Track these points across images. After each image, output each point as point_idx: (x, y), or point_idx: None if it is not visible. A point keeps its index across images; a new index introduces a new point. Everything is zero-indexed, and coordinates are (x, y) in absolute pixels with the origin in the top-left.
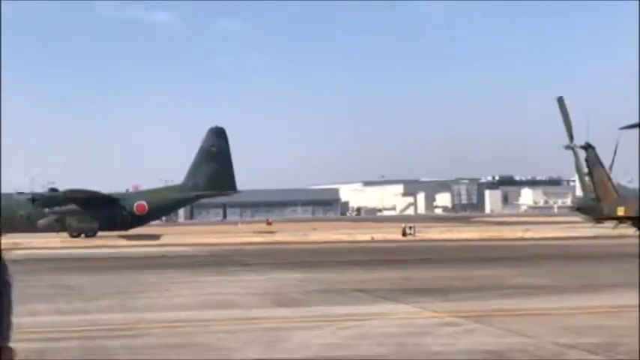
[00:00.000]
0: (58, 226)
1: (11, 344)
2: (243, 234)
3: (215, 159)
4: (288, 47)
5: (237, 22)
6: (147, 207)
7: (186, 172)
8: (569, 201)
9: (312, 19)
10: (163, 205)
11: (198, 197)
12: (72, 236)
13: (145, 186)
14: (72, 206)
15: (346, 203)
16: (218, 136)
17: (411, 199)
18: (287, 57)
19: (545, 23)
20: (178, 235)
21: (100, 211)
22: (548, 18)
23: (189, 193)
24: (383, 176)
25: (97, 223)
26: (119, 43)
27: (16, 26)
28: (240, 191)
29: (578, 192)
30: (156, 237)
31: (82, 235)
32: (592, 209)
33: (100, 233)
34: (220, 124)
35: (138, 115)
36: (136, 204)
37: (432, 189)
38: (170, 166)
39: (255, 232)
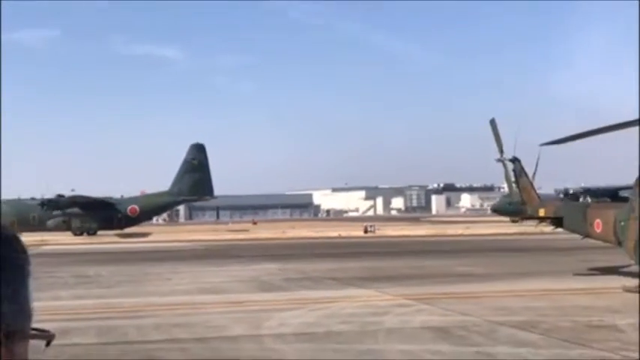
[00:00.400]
0: (64, 226)
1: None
2: (224, 232)
3: (196, 170)
4: (269, 72)
5: (231, 56)
6: (138, 210)
7: (172, 180)
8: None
9: (292, 47)
10: (153, 208)
11: (182, 201)
12: (75, 234)
13: (153, 190)
14: (75, 209)
15: (318, 206)
16: (198, 150)
17: (371, 203)
18: (274, 83)
19: (484, 45)
20: (179, 233)
21: (99, 214)
22: (483, 39)
23: (175, 197)
24: (347, 183)
25: (96, 223)
26: (131, 74)
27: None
28: (216, 197)
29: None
30: (145, 235)
31: (85, 233)
32: (506, 211)
33: (99, 232)
34: (215, 140)
35: (148, 130)
36: (129, 207)
37: (389, 194)
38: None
39: (232, 230)
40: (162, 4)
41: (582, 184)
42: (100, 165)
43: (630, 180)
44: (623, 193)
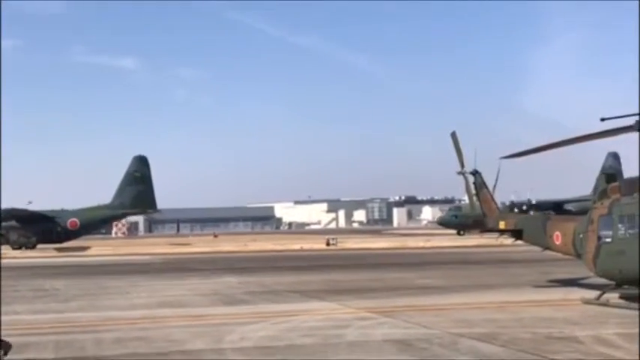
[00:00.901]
0: (2, 240)
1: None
2: (178, 245)
3: (138, 182)
4: (231, 84)
5: (190, 69)
6: (79, 223)
7: (114, 193)
8: None
9: (250, 61)
10: (93, 222)
11: (123, 215)
12: (13, 249)
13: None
14: (13, 223)
15: (280, 219)
16: (141, 163)
17: (333, 215)
18: (233, 97)
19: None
20: (139, 246)
21: (38, 227)
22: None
23: (116, 211)
24: (310, 196)
25: (35, 237)
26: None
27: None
28: (160, 210)
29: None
30: (84, 248)
31: (23, 247)
32: (452, 223)
33: (39, 246)
34: (175, 152)
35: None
36: (69, 221)
37: (351, 207)
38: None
39: (170, 244)
40: (122, 15)
41: (528, 197)
42: (56, 176)
43: (574, 193)
44: (568, 206)
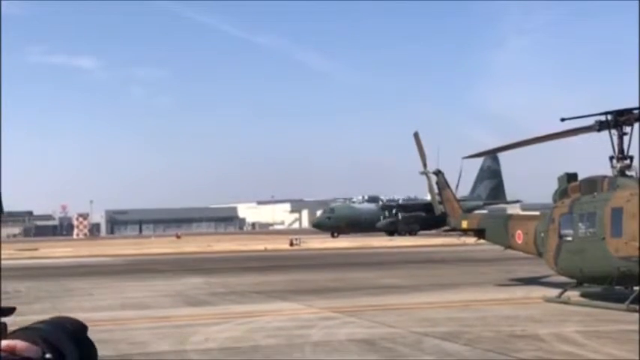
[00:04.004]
0: None
1: None
2: (144, 245)
3: None
4: (188, 86)
5: (148, 69)
6: None
7: None
8: None
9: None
10: None
11: None
12: None
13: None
14: None
15: (243, 219)
16: None
17: (296, 216)
18: (193, 97)
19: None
20: (101, 247)
21: None
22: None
23: None
24: (273, 196)
25: None
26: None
27: None
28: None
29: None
30: (35, 249)
31: None
32: (325, 225)
33: None
34: (135, 152)
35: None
36: None
37: (314, 207)
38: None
39: (133, 244)
40: (79, 15)
41: (395, 197)
42: (17, 178)
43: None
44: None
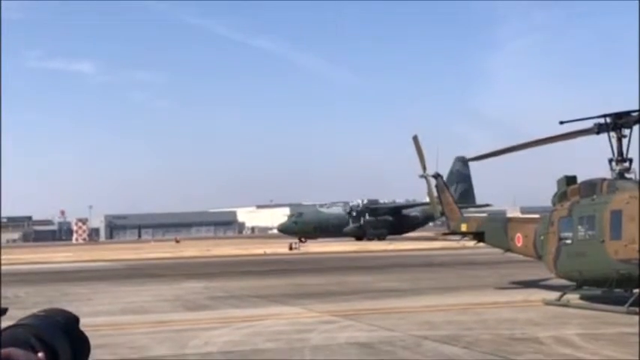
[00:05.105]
0: None
1: None
2: (152, 250)
3: None
4: (188, 90)
5: (148, 72)
6: None
7: None
8: None
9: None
10: None
11: None
12: None
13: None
14: None
15: (243, 223)
16: None
17: None
18: (193, 100)
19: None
20: (100, 252)
21: None
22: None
23: None
24: (272, 200)
25: None
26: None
27: None
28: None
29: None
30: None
31: None
32: (293, 230)
33: None
34: (135, 157)
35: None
36: None
37: None
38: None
39: (132, 249)
40: (77, 19)
41: (365, 200)
42: (16, 182)
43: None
44: (412, 212)
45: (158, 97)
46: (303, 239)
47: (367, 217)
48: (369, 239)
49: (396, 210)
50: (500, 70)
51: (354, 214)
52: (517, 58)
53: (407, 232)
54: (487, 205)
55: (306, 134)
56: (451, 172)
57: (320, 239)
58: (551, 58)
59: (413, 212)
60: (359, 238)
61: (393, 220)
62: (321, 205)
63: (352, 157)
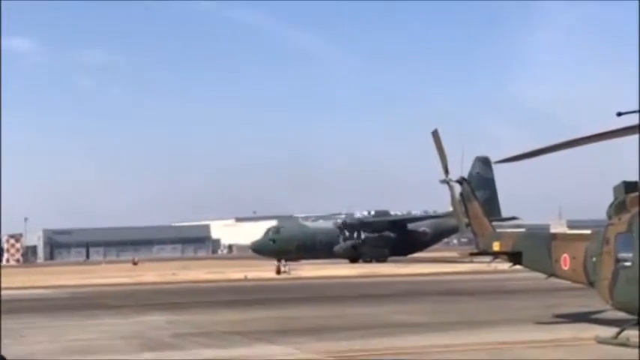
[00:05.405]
0: None
1: None
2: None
3: None
4: (148, 74)
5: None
6: None
7: None
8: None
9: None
10: None
11: None
12: None
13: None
14: None
15: (218, 240)
16: None
17: None
18: (150, 88)
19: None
20: (37, 276)
21: None
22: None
23: None
24: (255, 212)
25: None
26: None
27: None
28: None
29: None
30: None
31: None
32: (269, 250)
33: None
34: (78, 155)
35: None
36: None
37: None
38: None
39: (78, 272)
40: None
41: (357, 216)
42: None
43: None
44: (422, 226)
45: (111, 83)
46: (283, 261)
47: (363, 233)
48: (366, 261)
49: (399, 224)
50: (543, 50)
51: (347, 229)
52: (563, 35)
53: (413, 252)
54: (513, 219)
55: (299, 127)
56: (470, 176)
57: (306, 260)
58: (607, 32)
59: (421, 227)
60: (353, 259)
61: (395, 237)
62: (306, 218)
63: (358, 158)
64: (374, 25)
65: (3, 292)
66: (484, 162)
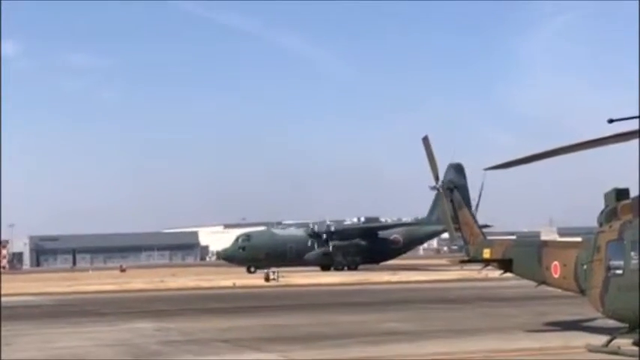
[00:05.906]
0: None
1: None
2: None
3: None
4: (138, 78)
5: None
6: None
7: None
8: (435, 243)
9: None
10: None
11: None
12: None
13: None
14: None
15: (206, 247)
16: None
17: None
18: (140, 92)
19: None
20: (24, 282)
21: None
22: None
23: None
24: (244, 219)
25: None
26: None
27: None
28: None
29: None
30: None
31: None
32: (238, 258)
33: None
34: (67, 161)
35: None
36: None
37: None
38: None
39: (65, 280)
40: None
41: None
42: None
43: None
44: (394, 234)
45: (100, 87)
46: (252, 269)
47: (334, 240)
48: (337, 269)
49: (369, 232)
50: (533, 56)
51: (318, 237)
52: (553, 41)
53: (385, 259)
54: (486, 227)
55: (290, 133)
56: (443, 182)
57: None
58: (598, 39)
59: (393, 235)
60: (325, 267)
61: (366, 245)
62: (277, 224)
63: (349, 165)
64: (369, 32)
65: None
66: (457, 169)
